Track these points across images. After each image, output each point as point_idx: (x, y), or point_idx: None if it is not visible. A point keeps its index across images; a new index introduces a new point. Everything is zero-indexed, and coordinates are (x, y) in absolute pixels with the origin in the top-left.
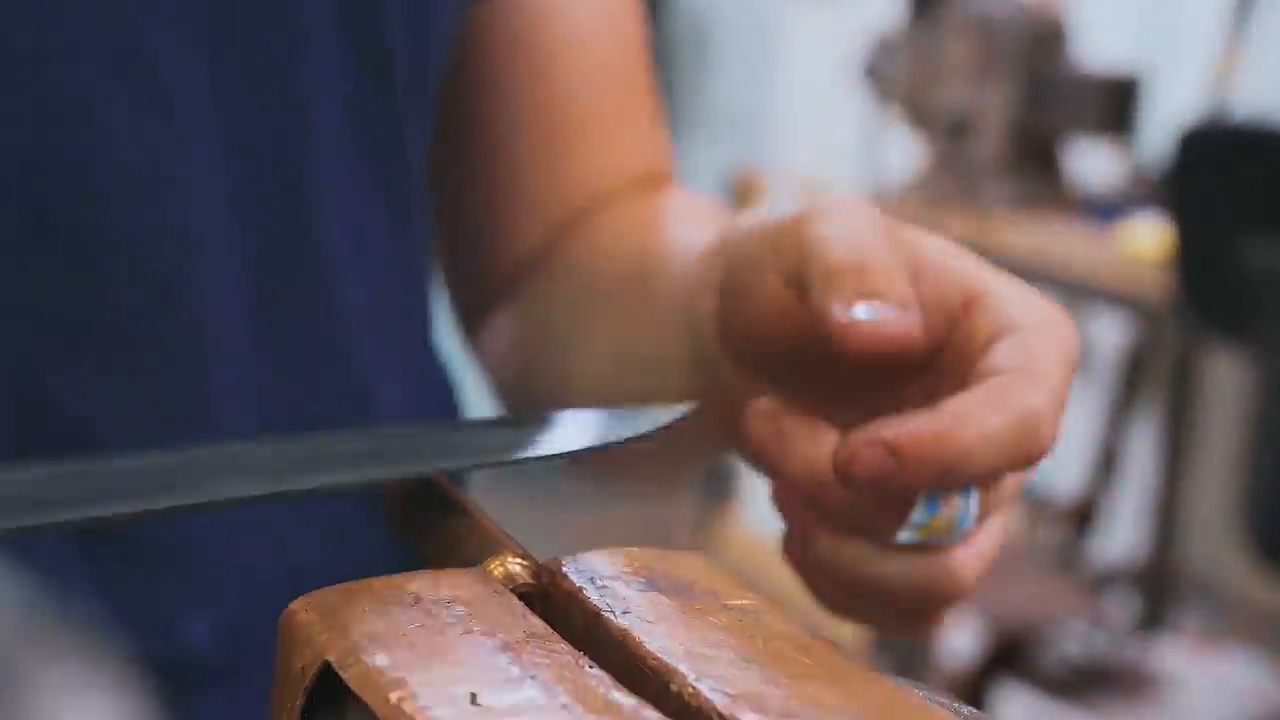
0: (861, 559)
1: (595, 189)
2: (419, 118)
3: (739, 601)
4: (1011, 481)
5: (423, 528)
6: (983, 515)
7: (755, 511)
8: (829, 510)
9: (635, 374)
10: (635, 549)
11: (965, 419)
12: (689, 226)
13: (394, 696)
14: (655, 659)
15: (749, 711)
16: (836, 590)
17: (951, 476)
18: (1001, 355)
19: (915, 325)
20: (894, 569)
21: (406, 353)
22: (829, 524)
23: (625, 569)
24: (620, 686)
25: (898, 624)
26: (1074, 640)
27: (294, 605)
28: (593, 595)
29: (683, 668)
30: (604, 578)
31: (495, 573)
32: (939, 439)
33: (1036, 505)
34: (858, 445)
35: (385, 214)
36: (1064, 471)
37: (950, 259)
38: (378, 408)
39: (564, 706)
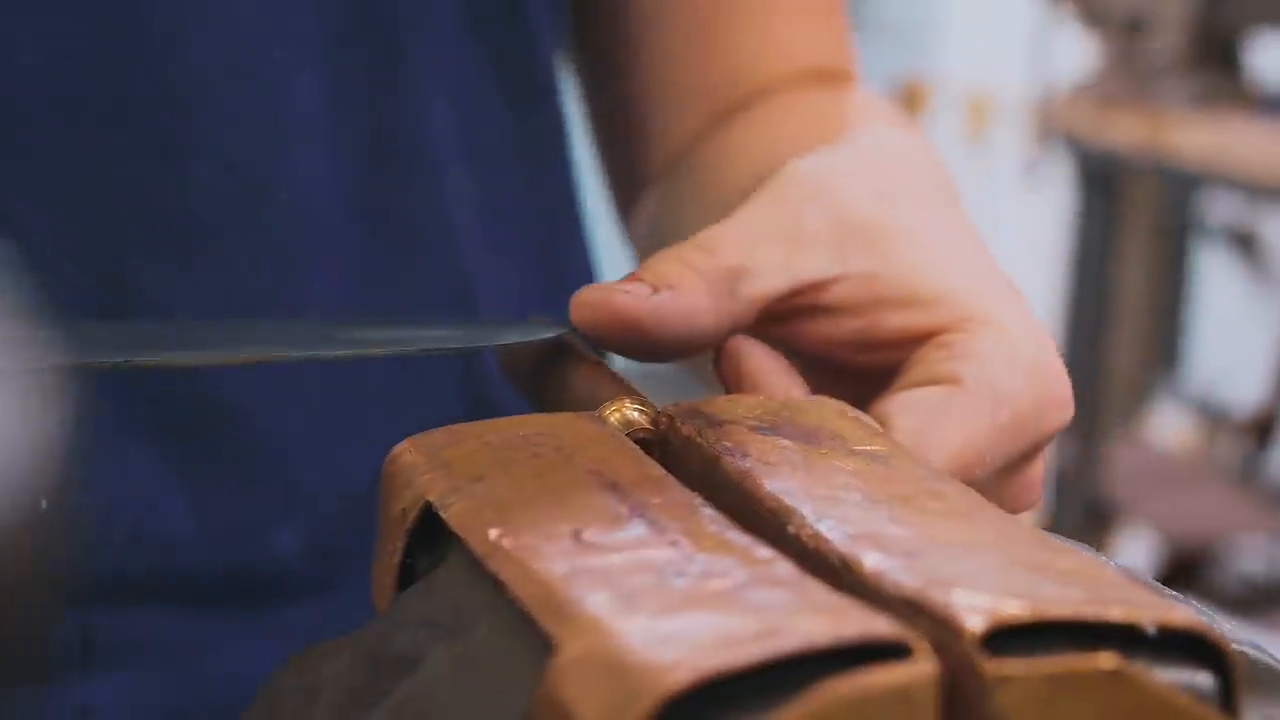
0: None
1: (755, 79)
2: None
3: (868, 446)
4: None
5: (544, 380)
6: None
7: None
8: None
9: None
10: (766, 397)
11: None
12: (844, 129)
13: (493, 534)
14: (774, 500)
15: (871, 550)
16: None
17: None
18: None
19: (656, 306)
20: None
21: (521, 249)
22: None
23: (747, 414)
24: (735, 526)
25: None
26: (1253, 556)
27: (399, 447)
28: (710, 439)
29: (803, 509)
30: (724, 422)
31: (611, 418)
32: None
33: (1215, 418)
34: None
35: (500, 100)
36: (1243, 383)
37: (930, 281)
38: (483, 306)
39: (673, 543)
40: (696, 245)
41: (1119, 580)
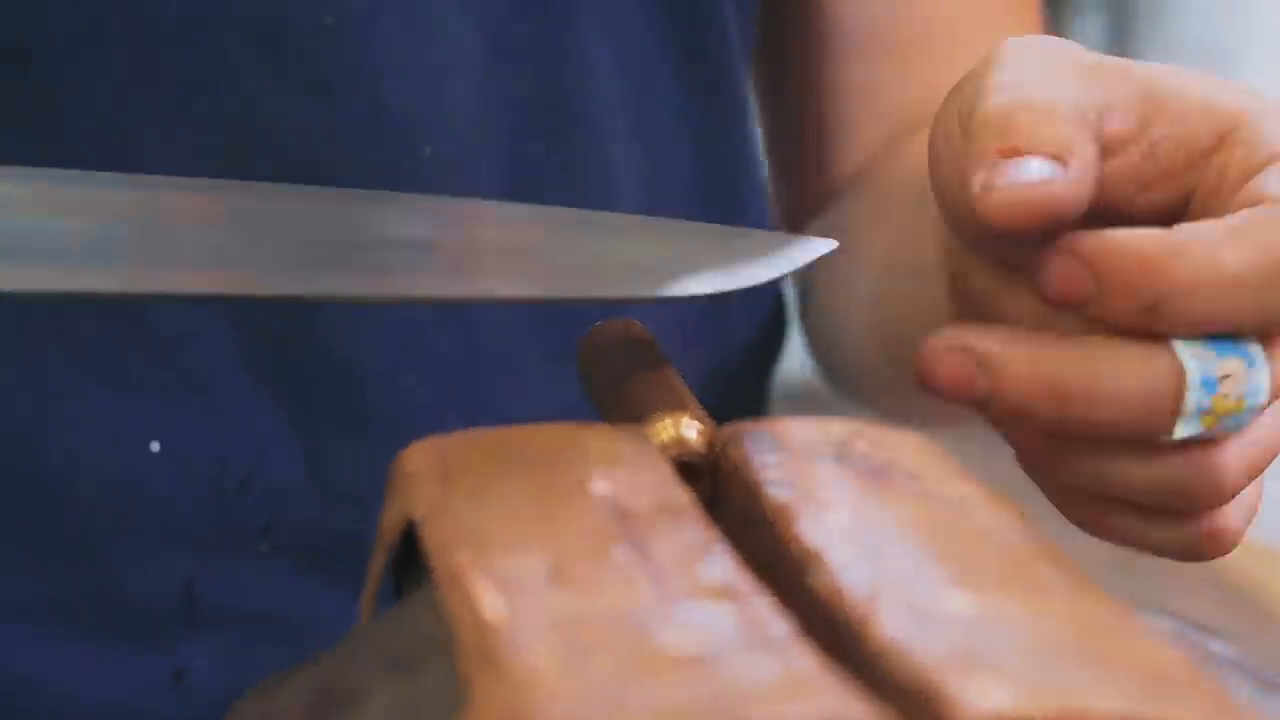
0: (1116, 475)
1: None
2: None
3: (945, 490)
4: None
5: (610, 377)
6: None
7: None
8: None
9: (903, 281)
10: (846, 421)
11: (1191, 245)
12: None
13: (462, 559)
14: (801, 542)
15: (893, 613)
16: (1080, 501)
17: (1172, 315)
18: (1262, 184)
19: (1076, 181)
20: (1146, 480)
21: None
22: (1077, 435)
23: (813, 439)
24: (746, 571)
25: (1160, 540)
26: None
27: (405, 451)
28: (756, 466)
29: (831, 556)
30: (782, 447)
31: (660, 434)
32: (1145, 261)
33: None
34: (1048, 257)
35: (674, 83)
36: None
37: (1199, 88)
38: None
39: (659, 588)
40: (1024, 100)
41: (1199, 682)
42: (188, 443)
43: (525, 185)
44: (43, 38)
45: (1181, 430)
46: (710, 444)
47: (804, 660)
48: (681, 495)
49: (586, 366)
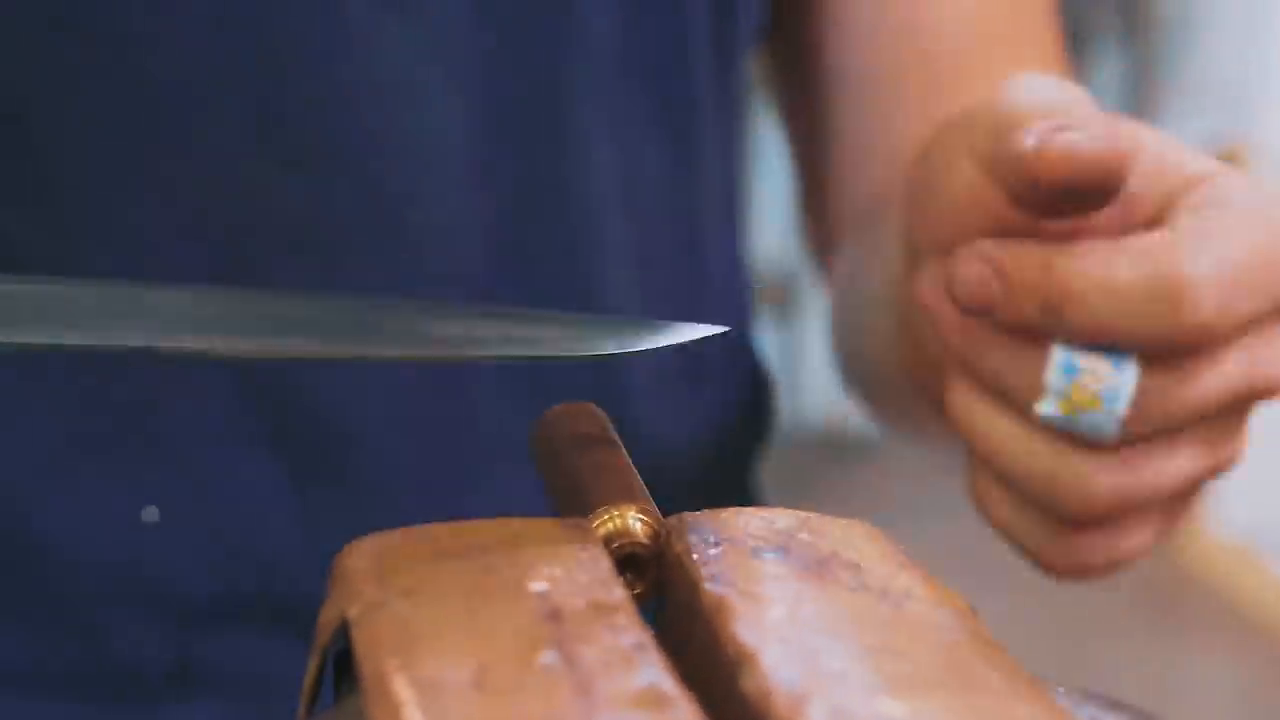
0: (991, 424)
1: None
2: (720, 38)
3: (887, 584)
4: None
5: (561, 463)
6: (1147, 420)
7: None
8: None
9: (876, 314)
10: (794, 511)
11: (1087, 257)
12: None
13: (390, 665)
14: (735, 644)
15: (814, 715)
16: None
17: (1062, 320)
18: (1176, 218)
19: (1115, 149)
20: (1020, 446)
21: (674, 300)
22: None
23: (756, 531)
24: (675, 676)
25: (1023, 531)
26: None
27: (347, 548)
28: (697, 561)
29: (765, 658)
30: (724, 540)
31: (603, 528)
32: (1048, 268)
33: None
34: (963, 264)
35: (663, 151)
36: None
37: (1174, 150)
38: (632, 374)
39: (583, 695)
40: (1049, 101)
41: None
42: (183, 512)
43: (514, 258)
44: (37, 105)
45: (1043, 406)
46: (655, 536)
47: None
48: (617, 594)
49: (538, 452)
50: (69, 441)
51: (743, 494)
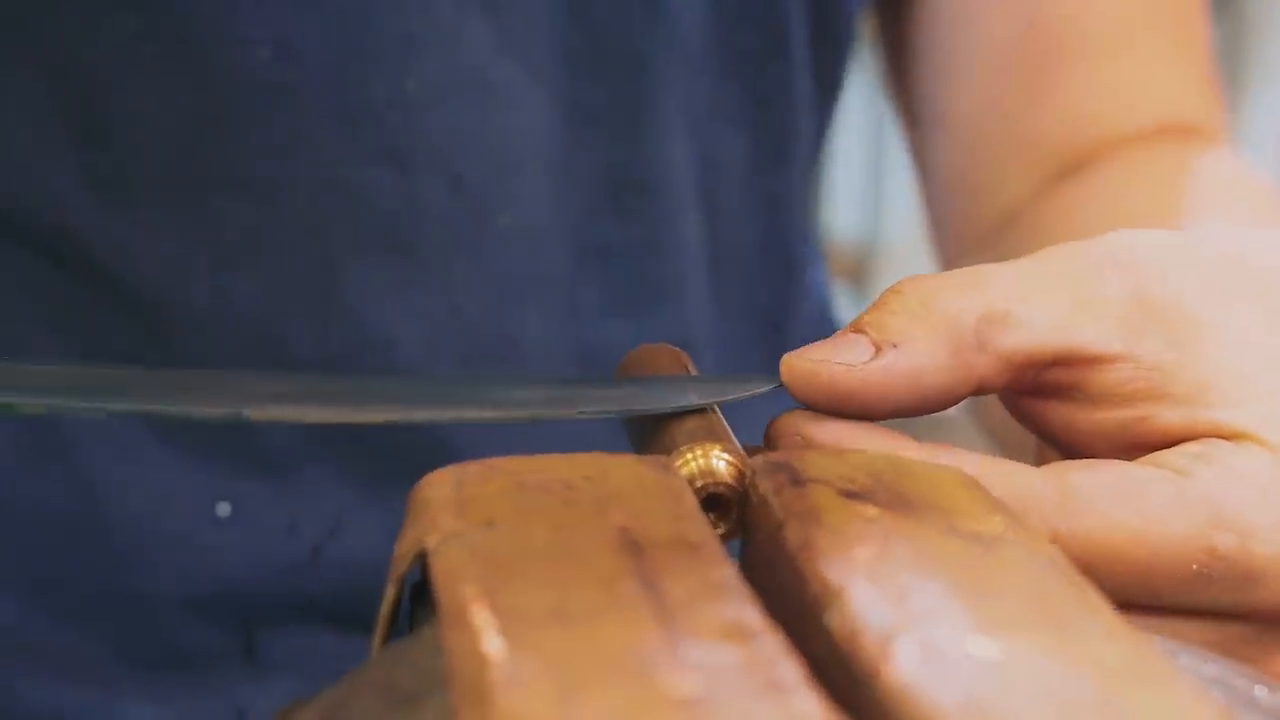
0: None
1: (1096, 131)
2: (821, 30)
3: (978, 525)
4: None
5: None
6: None
7: None
8: None
9: None
10: (874, 451)
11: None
12: (1198, 207)
13: (468, 593)
14: (821, 581)
15: (911, 658)
16: None
17: None
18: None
19: (878, 370)
20: None
21: (747, 307)
22: None
23: (843, 473)
24: (760, 609)
25: None
26: None
27: (426, 478)
28: (784, 500)
29: (852, 595)
30: (810, 480)
31: (687, 466)
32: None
33: None
34: (784, 425)
35: (746, 147)
36: None
37: (1200, 350)
38: (703, 353)
39: (665, 626)
40: (955, 278)
41: None
42: (256, 509)
43: (595, 256)
44: (117, 98)
45: None
46: (740, 476)
47: (808, 706)
48: (700, 529)
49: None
50: (149, 432)
51: None
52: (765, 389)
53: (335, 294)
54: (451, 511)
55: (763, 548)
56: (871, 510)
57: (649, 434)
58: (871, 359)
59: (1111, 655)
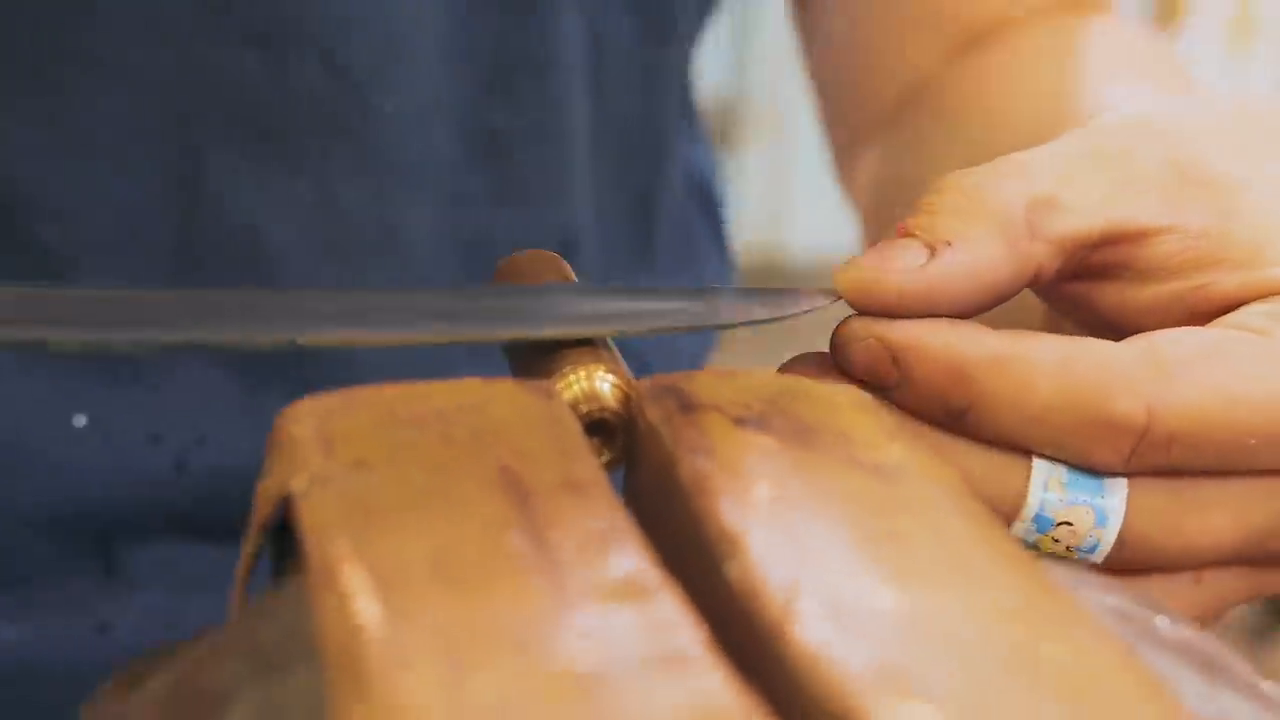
0: None
1: (992, 11)
2: None
3: (877, 456)
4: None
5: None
6: (1133, 550)
7: None
8: None
9: None
10: (767, 373)
11: (1010, 363)
12: (1111, 75)
13: (338, 548)
14: (720, 526)
15: (817, 614)
16: None
17: (977, 425)
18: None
19: (936, 274)
20: None
21: (624, 193)
22: None
23: (734, 398)
24: (655, 561)
25: None
26: None
27: (288, 410)
28: (674, 429)
29: (752, 543)
30: (700, 406)
31: (569, 390)
32: (954, 371)
33: None
34: (856, 330)
35: (634, 20)
36: None
37: (1242, 206)
38: (587, 241)
39: (556, 587)
40: (996, 170)
41: (1140, 694)
42: (115, 420)
43: (483, 142)
44: None
45: (1016, 529)
46: (626, 400)
47: (710, 681)
48: (588, 467)
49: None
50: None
51: None
52: (823, 304)
53: (199, 182)
54: (318, 449)
55: (652, 480)
56: (768, 440)
57: (530, 357)
58: (929, 261)
59: (1017, 600)
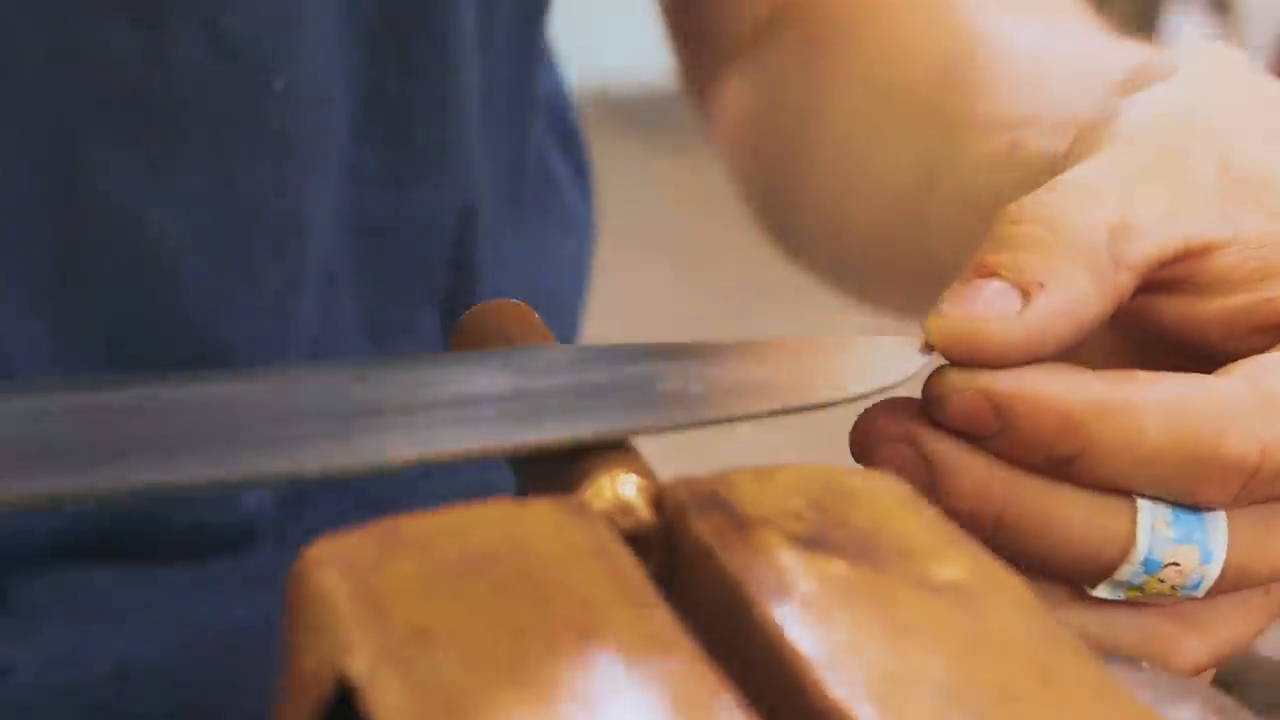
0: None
1: None
2: None
3: (947, 573)
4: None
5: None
6: (1231, 581)
7: None
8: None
9: (888, 199)
10: (799, 468)
11: (1115, 409)
12: (1009, 19)
13: None
14: (826, 698)
15: None
16: None
17: (1081, 472)
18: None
19: (1033, 321)
20: (1091, 625)
21: (511, 147)
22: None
23: (783, 508)
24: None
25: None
26: None
27: (308, 557)
28: (735, 556)
29: (861, 711)
30: (752, 522)
31: (596, 500)
32: (1064, 420)
33: None
34: (956, 382)
35: None
36: None
37: None
38: (484, 212)
39: None
40: (1065, 195)
41: None
42: None
43: (381, 114)
44: None
45: (1102, 591)
46: (659, 506)
47: None
48: (656, 609)
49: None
50: None
51: None
52: (917, 365)
53: (80, 176)
54: (365, 615)
55: (709, 604)
56: (838, 566)
57: (542, 460)
58: (1025, 306)
59: None
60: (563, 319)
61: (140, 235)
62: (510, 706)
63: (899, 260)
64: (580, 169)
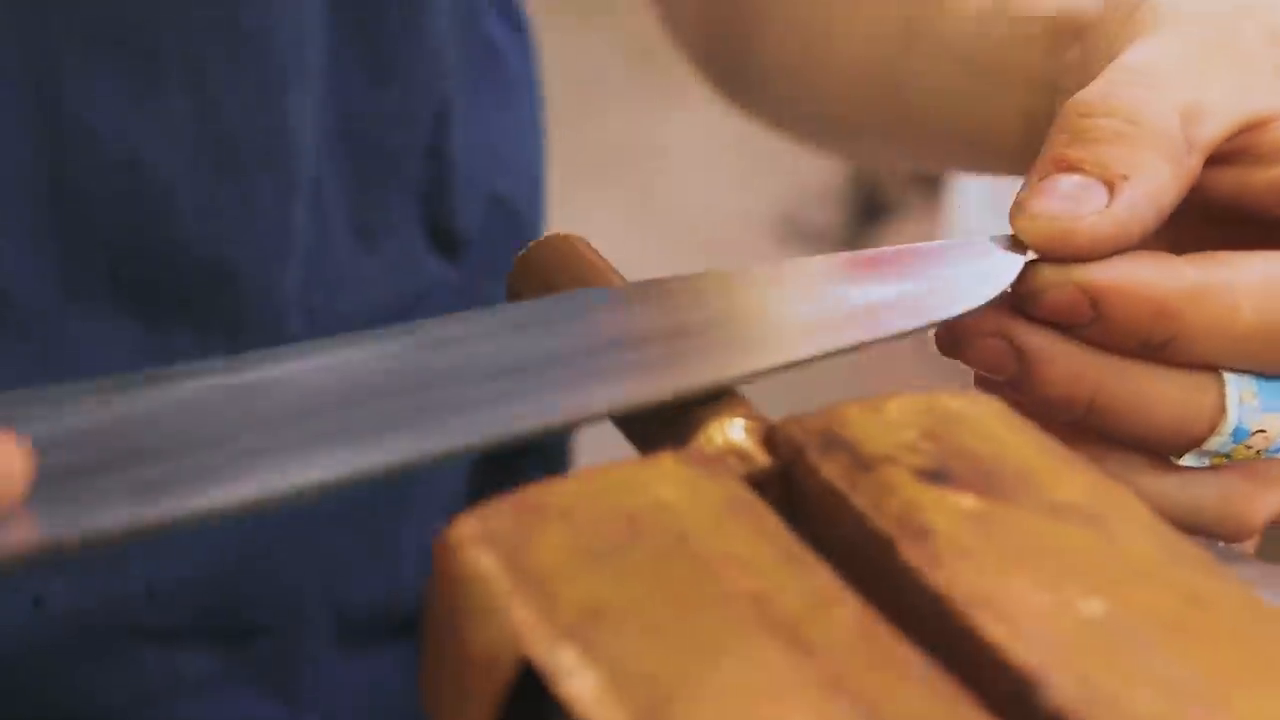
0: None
1: None
2: None
3: (1069, 494)
4: None
5: None
6: None
7: None
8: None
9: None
10: (907, 401)
11: (1208, 293)
12: None
13: None
14: (1006, 653)
15: None
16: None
17: (1175, 354)
18: None
19: (1122, 213)
20: (1171, 491)
21: (474, 36)
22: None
23: (900, 442)
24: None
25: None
26: None
27: (456, 531)
28: (868, 496)
29: (1048, 672)
30: (875, 460)
31: (709, 447)
32: (1158, 307)
33: None
34: (1051, 277)
35: None
36: None
37: None
38: (457, 109)
39: None
40: (1135, 83)
41: None
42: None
43: (350, 34)
44: None
45: (1190, 459)
46: (769, 444)
47: None
48: (820, 571)
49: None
50: None
51: None
52: (1019, 265)
53: (65, 109)
54: (532, 596)
55: (845, 545)
56: (969, 501)
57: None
58: (1111, 200)
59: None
60: (532, 187)
61: (130, 163)
62: (714, 689)
63: (870, 117)
64: (518, 24)
